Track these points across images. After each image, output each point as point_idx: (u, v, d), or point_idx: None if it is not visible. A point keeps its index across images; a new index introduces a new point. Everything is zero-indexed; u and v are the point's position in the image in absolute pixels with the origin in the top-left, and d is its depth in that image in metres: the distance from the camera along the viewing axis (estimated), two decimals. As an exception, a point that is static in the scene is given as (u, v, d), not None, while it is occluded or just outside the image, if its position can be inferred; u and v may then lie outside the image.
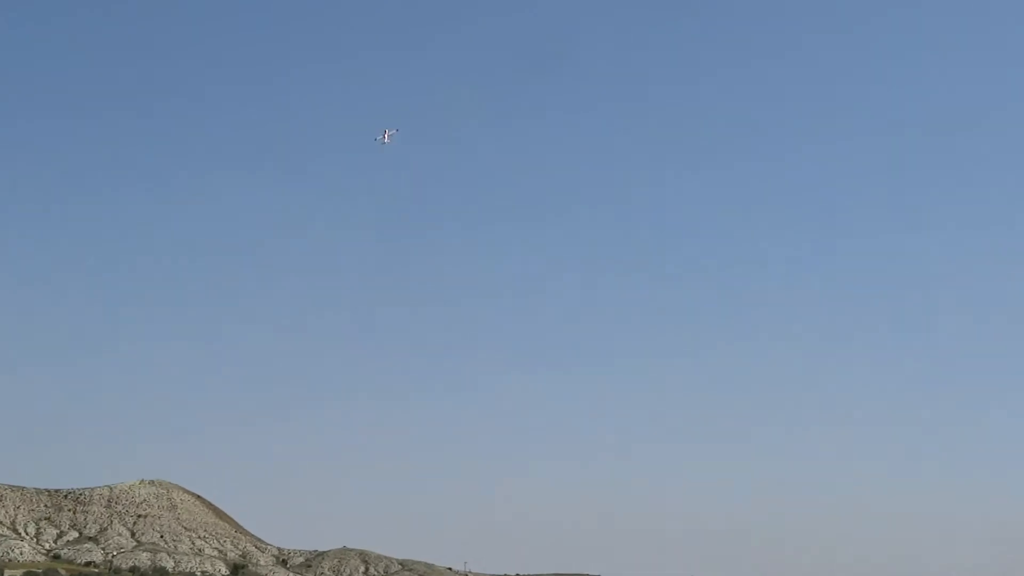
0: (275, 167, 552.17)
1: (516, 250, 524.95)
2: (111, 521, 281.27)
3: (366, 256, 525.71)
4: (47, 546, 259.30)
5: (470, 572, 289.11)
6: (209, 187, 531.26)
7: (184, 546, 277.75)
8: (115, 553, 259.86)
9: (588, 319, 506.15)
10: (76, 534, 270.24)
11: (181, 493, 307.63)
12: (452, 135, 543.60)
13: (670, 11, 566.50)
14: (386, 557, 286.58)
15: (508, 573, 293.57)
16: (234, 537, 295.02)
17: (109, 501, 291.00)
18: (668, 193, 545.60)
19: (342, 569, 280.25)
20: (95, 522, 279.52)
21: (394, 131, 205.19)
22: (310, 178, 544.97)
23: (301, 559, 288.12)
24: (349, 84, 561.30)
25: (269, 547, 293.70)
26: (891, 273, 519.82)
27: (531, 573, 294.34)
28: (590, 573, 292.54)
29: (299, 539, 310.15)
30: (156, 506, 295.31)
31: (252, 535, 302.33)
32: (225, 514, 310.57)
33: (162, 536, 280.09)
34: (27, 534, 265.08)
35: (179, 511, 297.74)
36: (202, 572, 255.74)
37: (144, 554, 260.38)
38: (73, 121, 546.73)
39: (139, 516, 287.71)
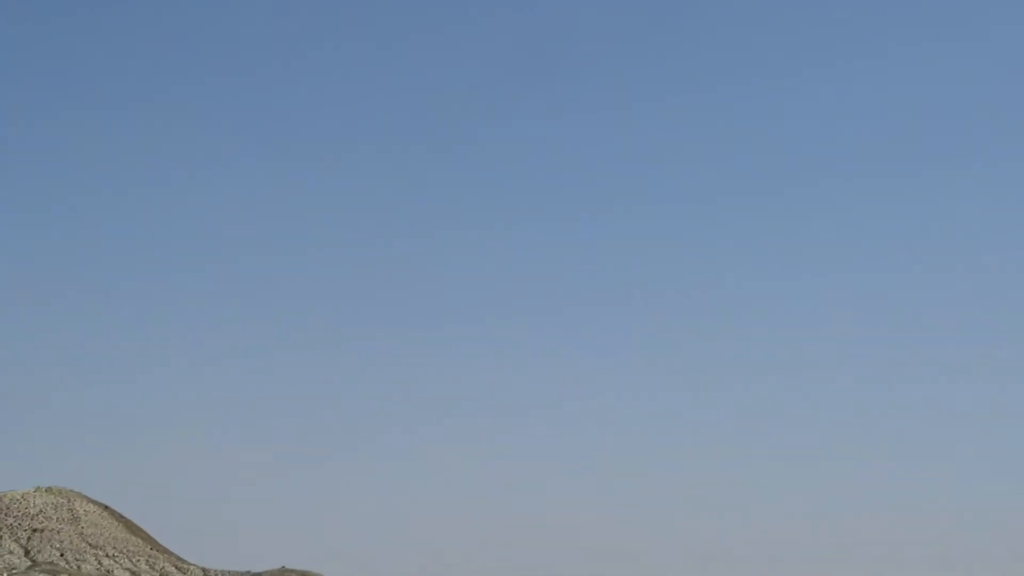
0: (271, 167, 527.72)
1: (515, 253, 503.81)
2: (0, 536, 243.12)
3: (336, 262, 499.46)
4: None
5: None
6: (207, 185, 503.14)
7: (89, 566, 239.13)
8: (5, 574, 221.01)
9: (585, 320, 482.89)
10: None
11: (85, 503, 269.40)
12: (452, 136, 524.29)
13: (676, 15, 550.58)
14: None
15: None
16: (149, 555, 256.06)
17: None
18: (669, 199, 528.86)
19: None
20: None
21: None
22: (309, 178, 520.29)
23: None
24: (353, 81, 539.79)
25: (192, 567, 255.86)
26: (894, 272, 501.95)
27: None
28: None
29: (229, 558, 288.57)
30: (55, 518, 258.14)
31: (171, 553, 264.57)
32: (138, 528, 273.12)
33: (63, 554, 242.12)
34: None
35: (83, 524, 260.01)
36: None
37: None
38: (65, 118, 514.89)
39: (34, 530, 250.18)
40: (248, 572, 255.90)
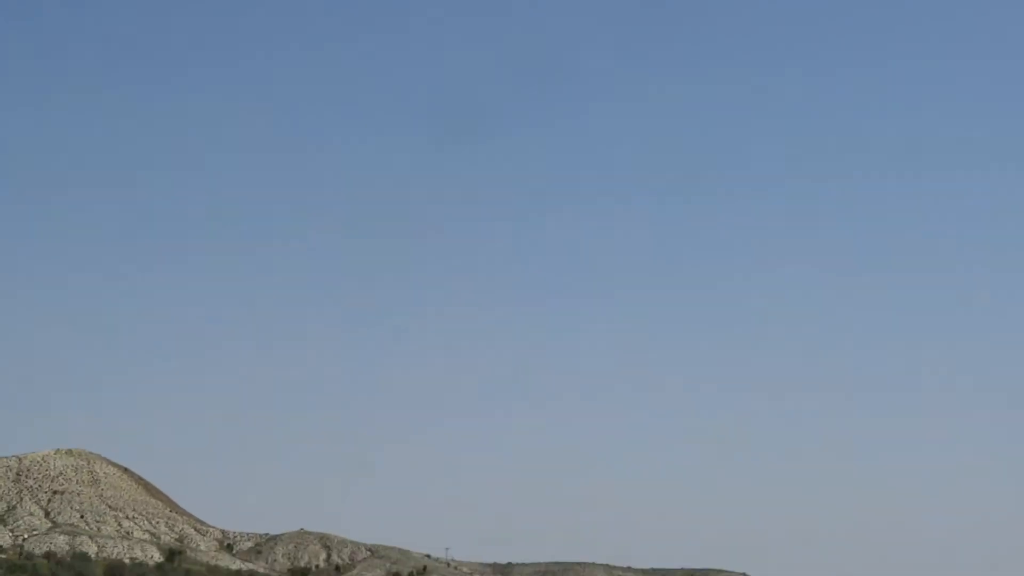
0: (271, 165, 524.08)
1: (519, 256, 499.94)
2: (21, 498, 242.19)
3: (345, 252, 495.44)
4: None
5: (453, 560, 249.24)
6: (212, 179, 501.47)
7: (109, 528, 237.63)
8: (26, 536, 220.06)
9: (585, 317, 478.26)
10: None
11: (105, 465, 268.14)
12: (453, 136, 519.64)
13: (682, 15, 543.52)
14: (352, 542, 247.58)
15: (498, 562, 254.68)
16: (168, 518, 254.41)
17: (18, 474, 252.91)
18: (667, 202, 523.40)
19: (299, 555, 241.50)
20: (1, 499, 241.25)
21: None
22: (308, 176, 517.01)
23: (250, 544, 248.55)
24: (357, 77, 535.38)
25: (211, 529, 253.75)
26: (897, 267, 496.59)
27: (523, 562, 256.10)
28: (590, 562, 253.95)
29: (247, 520, 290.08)
30: (75, 480, 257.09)
31: (190, 515, 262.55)
32: (157, 490, 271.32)
33: (82, 516, 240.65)
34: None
35: (102, 486, 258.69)
36: (131, 559, 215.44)
37: (61, 537, 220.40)
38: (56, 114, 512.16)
39: (54, 492, 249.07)
40: (267, 534, 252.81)
